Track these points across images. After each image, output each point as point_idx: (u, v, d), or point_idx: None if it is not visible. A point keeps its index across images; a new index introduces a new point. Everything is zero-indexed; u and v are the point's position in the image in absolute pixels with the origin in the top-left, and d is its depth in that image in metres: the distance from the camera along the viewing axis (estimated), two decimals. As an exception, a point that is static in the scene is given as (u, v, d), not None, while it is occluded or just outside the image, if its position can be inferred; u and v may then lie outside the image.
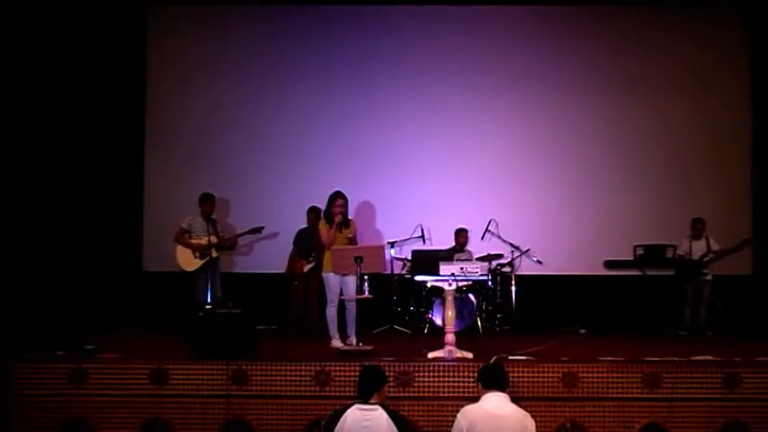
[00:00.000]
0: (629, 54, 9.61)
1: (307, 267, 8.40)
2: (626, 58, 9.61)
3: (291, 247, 8.69)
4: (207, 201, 8.11)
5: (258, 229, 8.36)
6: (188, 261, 7.97)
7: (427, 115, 9.58)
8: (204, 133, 9.60)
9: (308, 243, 8.33)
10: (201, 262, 7.93)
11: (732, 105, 9.55)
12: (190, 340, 6.22)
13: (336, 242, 7.12)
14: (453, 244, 9.05)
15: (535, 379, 5.88)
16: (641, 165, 9.54)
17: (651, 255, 8.11)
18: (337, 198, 7.17)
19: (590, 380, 5.87)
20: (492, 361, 5.73)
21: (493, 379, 4.66)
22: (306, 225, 8.66)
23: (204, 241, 7.93)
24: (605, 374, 5.88)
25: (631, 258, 8.23)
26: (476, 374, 4.96)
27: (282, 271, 8.75)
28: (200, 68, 9.66)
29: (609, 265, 8.74)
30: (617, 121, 9.61)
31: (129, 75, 9.50)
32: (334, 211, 7.13)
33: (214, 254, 7.98)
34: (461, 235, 9.10)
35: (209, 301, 7.52)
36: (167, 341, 6.98)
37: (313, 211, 8.54)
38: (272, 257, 9.00)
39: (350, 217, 7.38)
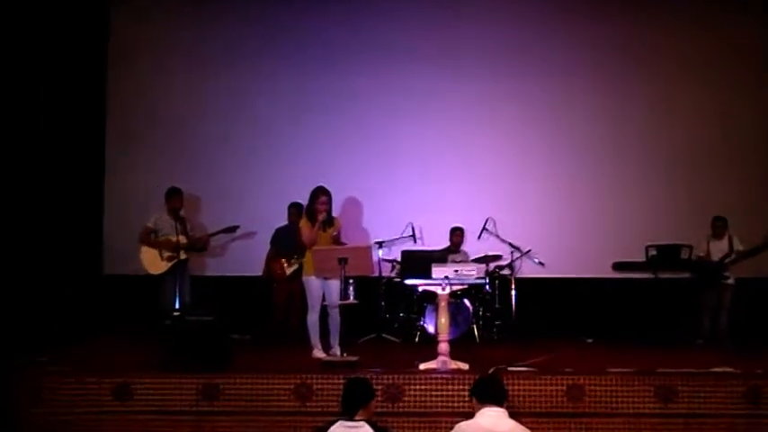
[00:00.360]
0: (639, 44, 9.66)
1: (289, 269, 8.37)
2: (636, 47, 9.65)
3: (269, 247, 8.68)
4: (174, 196, 8.06)
5: (233, 228, 8.33)
6: (154, 263, 7.91)
7: (419, 105, 9.61)
8: (173, 124, 9.61)
9: (287, 242, 8.31)
10: (169, 264, 7.89)
11: (750, 95, 9.61)
12: (156, 351, 6.19)
13: (319, 242, 7.10)
14: (447, 244, 9.05)
15: (537, 392, 5.86)
16: (653, 158, 9.58)
17: (665, 256, 8.13)
18: (320, 194, 7.15)
19: (597, 393, 5.87)
20: (490, 372, 5.72)
21: (489, 392, 4.62)
22: (286, 223, 8.66)
23: (173, 241, 7.86)
24: (614, 387, 5.87)
25: (643, 260, 8.27)
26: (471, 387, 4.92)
27: (259, 274, 8.73)
28: (170, 55, 9.68)
29: (618, 267, 8.75)
30: (626, 112, 9.66)
31: (89, 63, 9.48)
32: (317, 208, 7.11)
33: (183, 255, 7.94)
34: (456, 234, 9.11)
35: (177, 307, 7.51)
36: (131, 352, 6.93)
37: (294, 207, 8.53)
38: (247, 259, 8.98)
39: (334, 215, 7.38)
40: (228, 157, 9.60)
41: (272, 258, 8.60)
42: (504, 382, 5.58)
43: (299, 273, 7.98)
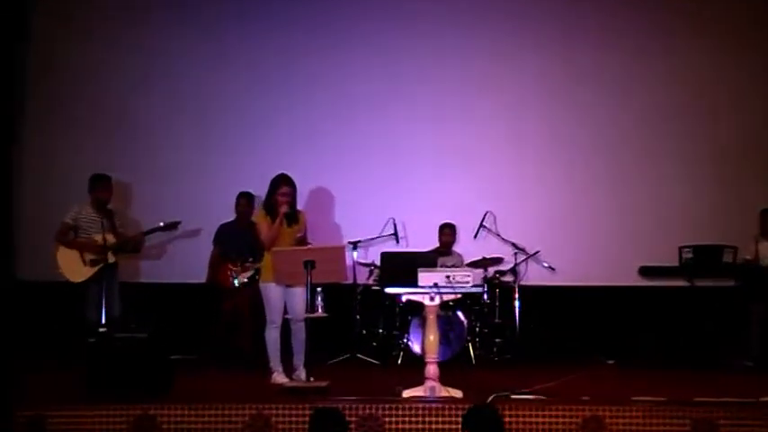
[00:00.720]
0: (670, 25, 9.78)
1: (245, 275, 8.38)
2: (667, 28, 9.76)
3: (212, 247, 8.71)
4: (100, 184, 7.98)
5: (173, 225, 8.26)
6: (74, 269, 7.82)
7: (400, 82, 9.73)
8: (101, 99, 9.63)
9: (236, 242, 8.36)
10: (94, 270, 7.82)
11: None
12: (77, 375, 6.12)
13: (280, 241, 7.08)
14: (436, 245, 9.09)
15: (546, 427, 5.84)
16: (688, 148, 9.68)
17: (703, 259, 8.19)
18: (282, 183, 7.15)
19: (620, 428, 5.85)
20: (488, 401, 5.70)
21: (484, 426, 4.58)
22: (233, 218, 8.70)
23: (98, 241, 7.76)
24: (641, 420, 5.85)
25: (676, 264, 8.30)
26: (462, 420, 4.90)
27: (204, 281, 8.73)
28: (97, 13, 9.68)
29: (645, 272, 8.82)
30: (654, 93, 9.74)
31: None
32: (278, 200, 7.11)
33: (111, 258, 7.87)
34: (446, 232, 9.16)
35: (103, 321, 7.44)
36: (47, 377, 6.84)
37: (244, 197, 8.58)
38: (192, 263, 8.98)
39: (299, 208, 7.37)
40: (168, 139, 9.61)
41: (217, 262, 8.57)
42: (505, 413, 5.61)
43: (253, 279, 8.03)
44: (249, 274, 8.32)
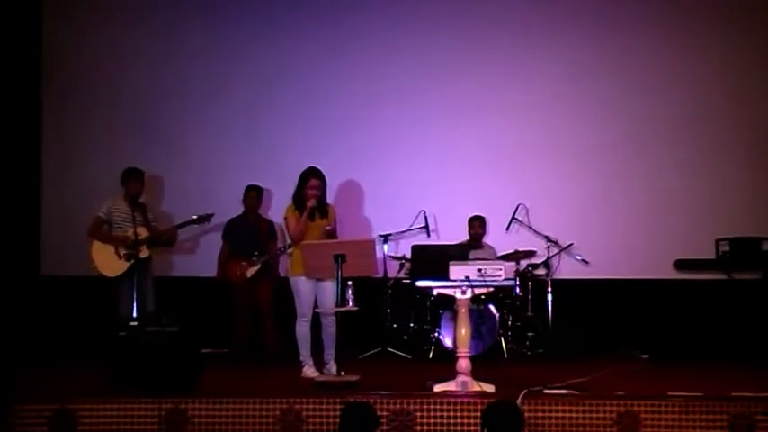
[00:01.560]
0: (710, 10, 9.67)
1: (250, 271, 8.39)
2: (707, 13, 9.66)
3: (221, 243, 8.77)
4: (132, 178, 7.99)
5: (206, 218, 8.27)
6: (109, 263, 7.84)
7: (430, 70, 9.68)
8: (128, 91, 9.66)
9: (244, 237, 8.41)
10: (128, 264, 7.81)
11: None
12: (108, 369, 6.14)
13: (310, 235, 7.08)
14: (466, 238, 9.07)
15: (579, 422, 5.79)
16: (721, 136, 9.56)
17: (741, 251, 8.15)
18: (311, 177, 7.16)
19: (655, 423, 5.78)
20: (521, 396, 5.65)
21: (502, 425, 4.51)
22: (241, 212, 8.73)
23: (130, 235, 7.77)
24: (677, 415, 5.78)
25: (713, 257, 8.23)
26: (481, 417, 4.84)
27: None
28: (125, 10, 9.75)
29: (681, 266, 8.78)
30: (687, 85, 9.62)
31: (19, 14, 9.50)
32: (307, 193, 7.12)
33: (144, 252, 7.88)
34: (475, 225, 9.14)
35: (135, 315, 7.48)
36: (76, 371, 6.90)
37: (254, 190, 8.62)
38: (223, 256, 8.97)
39: (328, 202, 7.37)
40: (200, 133, 9.63)
41: (227, 258, 8.61)
42: (539, 407, 5.58)
43: (261, 274, 8.14)
44: (255, 269, 8.34)
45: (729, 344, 8.33)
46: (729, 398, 5.90)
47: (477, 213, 9.17)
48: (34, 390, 6.19)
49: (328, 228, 7.19)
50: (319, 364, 7.15)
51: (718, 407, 5.78)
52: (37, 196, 9.57)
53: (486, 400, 5.75)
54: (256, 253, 8.22)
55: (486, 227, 9.18)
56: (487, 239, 9.19)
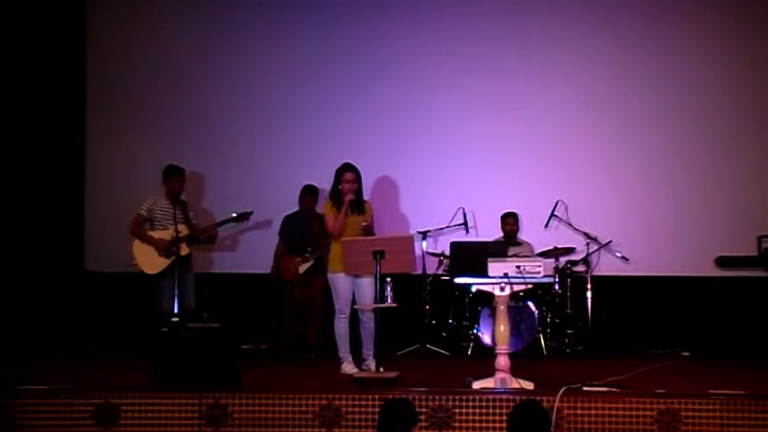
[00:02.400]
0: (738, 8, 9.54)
1: (302, 267, 8.39)
2: (736, 9, 9.53)
3: (277, 239, 8.76)
4: (174, 176, 8.01)
5: (245, 216, 8.30)
6: (150, 260, 7.89)
7: (468, 66, 9.63)
8: (168, 90, 9.73)
9: (299, 234, 8.38)
10: (168, 261, 7.86)
11: None
12: (149, 364, 6.19)
13: (347, 231, 7.09)
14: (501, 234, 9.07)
15: (619, 419, 5.76)
16: (761, 134, 9.45)
17: None
18: (345, 171, 7.17)
19: (697, 421, 5.75)
20: (560, 393, 5.61)
21: (528, 426, 4.49)
22: (297, 209, 8.73)
23: (171, 233, 7.82)
24: (719, 413, 5.73)
25: (755, 254, 8.12)
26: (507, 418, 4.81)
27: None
28: (166, 9, 9.84)
29: (722, 263, 8.56)
30: (728, 83, 9.48)
31: (63, 8, 9.62)
32: (343, 188, 7.14)
33: (185, 250, 7.93)
34: (509, 221, 9.09)
35: (176, 311, 7.52)
36: (118, 366, 6.97)
37: (309, 194, 8.58)
38: (263, 254, 9.00)
39: (365, 198, 7.38)
40: (239, 130, 9.67)
41: (282, 255, 8.62)
42: (578, 405, 5.54)
43: (314, 270, 8.12)
44: (308, 265, 8.35)
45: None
46: (773, 397, 5.86)
47: (510, 210, 9.10)
48: (78, 384, 6.24)
49: (365, 224, 7.19)
50: (358, 361, 7.15)
51: (761, 405, 5.72)
52: (80, 193, 9.67)
53: (526, 397, 5.74)
54: (309, 249, 8.23)
55: (520, 223, 9.11)
56: (527, 236, 9.13)
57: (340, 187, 7.14)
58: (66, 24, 9.67)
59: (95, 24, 9.84)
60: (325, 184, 7.51)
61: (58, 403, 5.95)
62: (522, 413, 4.61)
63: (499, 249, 7.38)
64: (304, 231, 8.28)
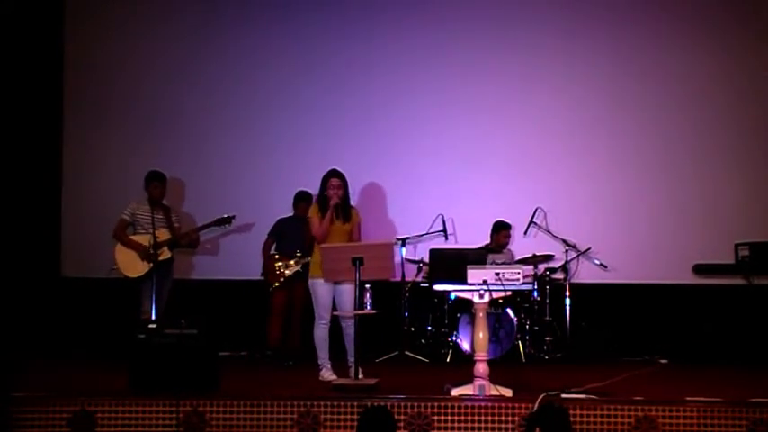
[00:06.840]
0: (722, 15, 9.59)
1: (290, 269, 8.29)
2: (720, 16, 9.59)
3: (266, 238, 8.72)
4: (153, 182, 8.04)
5: (227, 220, 8.31)
6: (132, 265, 7.89)
7: (451, 74, 9.63)
8: (147, 95, 9.69)
9: (291, 238, 8.35)
10: (150, 265, 7.82)
11: None
12: (126, 371, 6.14)
13: (332, 238, 7.06)
14: (486, 242, 9.01)
15: (598, 426, 5.76)
16: (741, 142, 9.47)
17: (760, 256, 8.01)
18: (332, 177, 7.14)
19: (675, 428, 5.75)
20: (538, 400, 5.61)
21: (552, 425, 4.48)
22: (292, 214, 8.71)
23: (145, 243, 7.78)
24: (695, 421, 5.74)
25: (732, 262, 8.13)
26: (517, 419, 4.78)
27: (258, 277, 8.73)
28: (145, 5, 9.78)
29: (700, 270, 8.67)
30: (709, 90, 9.53)
31: (40, 17, 9.57)
32: (329, 193, 7.11)
33: (165, 254, 7.92)
34: (504, 234, 9.05)
35: (153, 317, 7.52)
36: (94, 372, 6.94)
37: (303, 199, 8.54)
38: (245, 259, 9.02)
39: (352, 204, 7.33)
40: (220, 135, 9.62)
41: (270, 257, 8.58)
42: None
43: (299, 276, 8.04)
44: (296, 268, 8.29)
45: (748, 349, 8.27)
46: (748, 403, 5.85)
47: (503, 220, 9.05)
48: (53, 391, 6.17)
49: (351, 229, 7.17)
50: (341, 367, 7.08)
51: (737, 412, 5.74)
52: (57, 199, 9.60)
53: (504, 405, 5.80)
54: (299, 252, 8.19)
55: (512, 235, 9.13)
56: (510, 246, 9.15)
57: (326, 193, 7.11)
58: (45, 30, 9.62)
59: (74, 30, 9.77)
60: (310, 188, 7.50)
61: (33, 411, 5.88)
62: (550, 414, 4.62)
63: (478, 256, 7.35)
64: (296, 236, 8.23)
